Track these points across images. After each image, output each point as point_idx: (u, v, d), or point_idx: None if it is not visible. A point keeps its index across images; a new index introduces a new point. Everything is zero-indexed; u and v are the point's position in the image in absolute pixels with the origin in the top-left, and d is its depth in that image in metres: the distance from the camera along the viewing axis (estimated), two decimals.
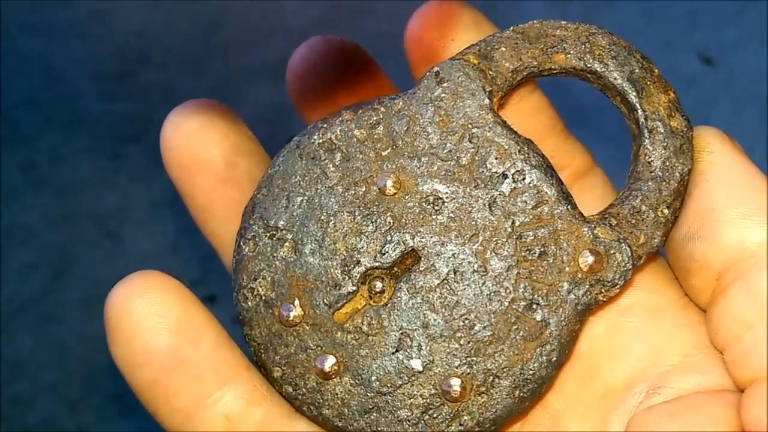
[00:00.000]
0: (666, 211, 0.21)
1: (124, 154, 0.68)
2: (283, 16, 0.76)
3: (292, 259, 0.22)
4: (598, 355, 0.22)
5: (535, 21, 0.23)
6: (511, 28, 0.23)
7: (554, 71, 0.22)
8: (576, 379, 0.22)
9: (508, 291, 0.21)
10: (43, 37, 0.74)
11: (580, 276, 0.21)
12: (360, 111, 0.22)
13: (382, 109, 0.22)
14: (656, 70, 0.22)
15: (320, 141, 0.22)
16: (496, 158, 0.21)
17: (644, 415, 0.21)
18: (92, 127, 0.70)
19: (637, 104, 0.22)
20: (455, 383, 0.21)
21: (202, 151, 0.23)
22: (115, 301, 0.21)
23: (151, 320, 0.21)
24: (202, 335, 0.21)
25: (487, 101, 0.21)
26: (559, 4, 0.76)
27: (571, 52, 0.22)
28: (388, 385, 0.21)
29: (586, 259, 0.21)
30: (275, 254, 0.22)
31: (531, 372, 0.21)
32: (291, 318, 0.22)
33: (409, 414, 0.21)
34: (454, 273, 0.21)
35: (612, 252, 0.21)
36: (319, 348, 0.22)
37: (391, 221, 0.21)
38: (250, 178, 0.23)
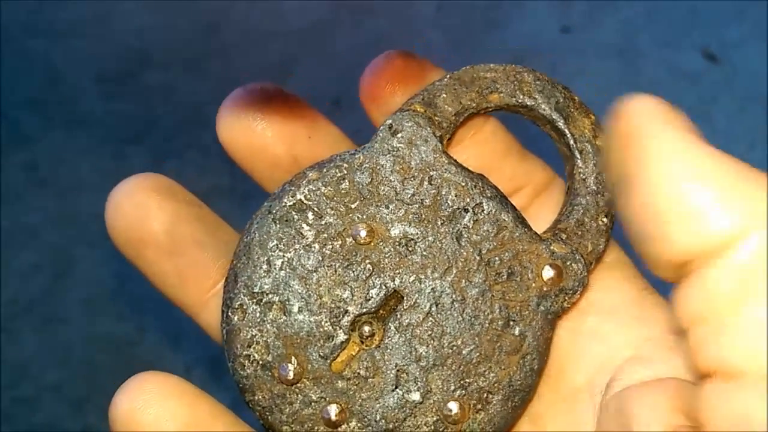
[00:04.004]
0: (605, 219, 0.24)
1: (126, 154, 0.68)
2: (283, 17, 0.76)
3: (282, 320, 0.23)
4: (563, 358, 0.24)
5: (467, 66, 0.25)
6: (448, 75, 0.25)
7: (490, 109, 0.25)
8: (548, 383, 0.24)
9: (486, 314, 0.23)
10: (43, 38, 0.74)
11: (545, 289, 0.23)
12: (324, 169, 0.23)
13: (345, 165, 0.23)
14: (576, 98, 0.25)
15: (291, 203, 0.23)
16: (456, 195, 0.23)
17: (608, 406, 0.23)
18: (94, 127, 0.70)
19: (566, 130, 0.24)
20: (453, 406, 0.23)
21: (142, 227, 0.24)
22: (120, 413, 0.22)
23: (164, 425, 0.22)
24: (213, 423, 0.22)
25: (439, 145, 0.24)
26: (561, 4, 0.76)
27: (503, 90, 0.25)
28: (394, 421, 0.23)
29: (548, 273, 0.23)
30: (265, 318, 0.23)
31: (518, 382, 0.23)
32: (290, 377, 0.23)
33: None
34: (436, 306, 0.23)
35: (569, 263, 0.23)
36: (323, 399, 0.23)
37: (371, 268, 0.23)
38: (195, 242, 0.24)
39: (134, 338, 0.60)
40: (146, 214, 0.24)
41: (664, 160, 0.17)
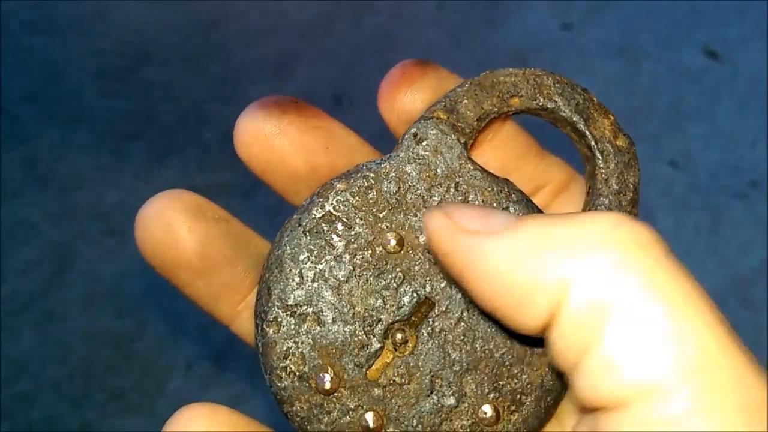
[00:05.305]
0: None
1: (126, 151, 0.68)
2: (283, 14, 0.76)
3: (316, 331, 0.23)
4: None
5: (486, 72, 0.25)
6: (468, 81, 0.25)
7: (511, 112, 0.25)
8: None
9: None
10: (43, 34, 0.74)
11: None
12: (351, 180, 0.24)
13: (372, 174, 0.24)
14: (595, 99, 0.25)
15: (320, 215, 0.24)
16: (482, 201, 0.24)
17: None
18: (93, 124, 0.70)
19: (586, 131, 0.25)
20: (488, 409, 0.23)
21: (175, 251, 0.24)
22: None
23: None
24: None
25: (463, 151, 0.24)
26: (563, 3, 0.76)
27: (524, 94, 0.25)
28: (430, 425, 0.23)
29: None
30: (300, 330, 0.23)
31: (550, 383, 0.23)
32: (328, 386, 0.23)
33: None
34: (467, 311, 0.23)
35: None
36: (360, 408, 0.23)
37: (401, 276, 0.23)
38: (226, 260, 0.25)
39: (134, 335, 0.60)
40: (177, 238, 0.24)
41: (482, 264, 0.19)
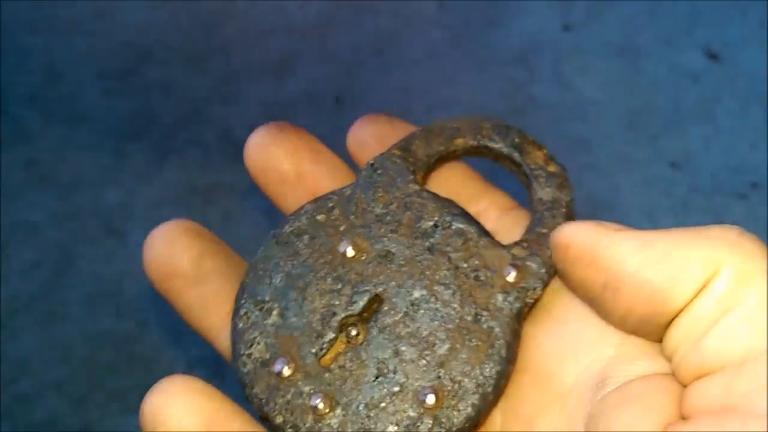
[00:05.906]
0: None
1: (127, 151, 0.68)
2: (284, 14, 0.76)
3: (279, 323, 0.27)
4: (550, 362, 0.26)
5: (436, 121, 0.30)
6: (420, 128, 0.30)
7: (457, 152, 0.30)
8: (537, 386, 0.26)
9: (456, 311, 0.26)
10: (44, 34, 0.74)
11: (507, 287, 0.27)
12: (318, 202, 0.28)
13: (336, 197, 0.28)
14: (529, 137, 0.29)
15: (290, 230, 0.28)
16: (427, 215, 0.28)
17: (599, 405, 0.24)
18: (94, 124, 0.70)
19: (522, 161, 0.29)
20: (429, 394, 0.25)
21: (172, 261, 0.29)
22: (149, 410, 0.25)
23: (186, 423, 0.25)
24: (231, 423, 0.25)
25: (411, 177, 0.28)
26: (564, 4, 0.76)
27: (467, 136, 0.30)
28: (375, 407, 0.26)
29: (510, 273, 0.27)
30: (265, 322, 0.27)
31: (488, 369, 0.26)
32: (284, 372, 0.26)
33: (397, 428, 0.25)
34: (412, 306, 0.27)
35: (528, 263, 0.27)
36: (313, 391, 0.26)
37: (356, 277, 0.27)
38: (220, 273, 0.29)
39: (135, 335, 0.60)
40: (176, 250, 0.29)
41: (629, 259, 0.22)
